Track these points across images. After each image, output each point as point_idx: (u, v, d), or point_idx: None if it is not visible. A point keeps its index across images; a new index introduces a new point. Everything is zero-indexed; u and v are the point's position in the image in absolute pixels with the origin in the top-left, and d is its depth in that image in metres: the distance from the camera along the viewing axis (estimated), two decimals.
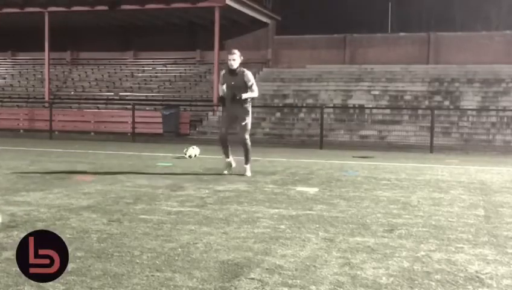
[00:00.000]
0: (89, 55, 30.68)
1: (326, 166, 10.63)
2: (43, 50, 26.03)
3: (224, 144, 8.81)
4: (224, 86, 8.56)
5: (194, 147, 12.11)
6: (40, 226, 4.55)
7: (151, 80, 28.09)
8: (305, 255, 3.82)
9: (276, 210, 5.54)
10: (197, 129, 22.91)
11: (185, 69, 28.71)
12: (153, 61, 29.66)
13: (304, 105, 23.60)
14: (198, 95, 26.03)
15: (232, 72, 8.52)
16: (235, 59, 8.45)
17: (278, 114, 23.44)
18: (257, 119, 22.59)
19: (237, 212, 5.35)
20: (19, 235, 4.13)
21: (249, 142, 8.68)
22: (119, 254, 3.74)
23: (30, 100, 27.40)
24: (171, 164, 10.38)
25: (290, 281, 3.23)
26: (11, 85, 29.53)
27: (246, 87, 8.50)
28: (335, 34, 27.26)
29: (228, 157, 8.82)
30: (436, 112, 18.80)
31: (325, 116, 19.13)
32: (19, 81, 29.73)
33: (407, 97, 23.37)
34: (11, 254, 3.50)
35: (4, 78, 30.41)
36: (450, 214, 5.54)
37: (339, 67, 26.39)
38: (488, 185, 8.10)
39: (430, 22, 31.74)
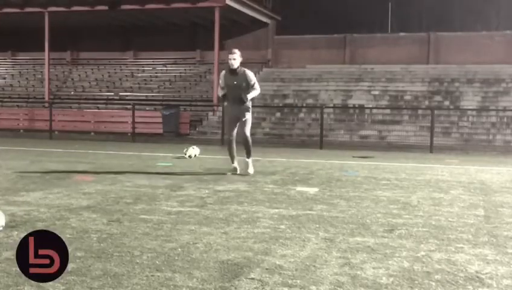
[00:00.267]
0: (89, 55, 30.68)
1: (326, 166, 10.63)
2: (43, 50, 26.02)
3: (230, 147, 8.86)
4: (223, 90, 8.63)
5: (194, 147, 12.10)
6: (40, 226, 4.55)
7: (151, 80, 28.09)
8: (305, 255, 3.82)
9: (276, 210, 5.54)
10: (197, 129, 22.90)
11: (185, 69, 28.71)
12: (153, 61, 29.66)
13: (304, 105, 23.60)
14: (198, 95, 26.02)
15: (232, 72, 8.55)
16: (236, 59, 8.48)
17: (278, 114, 23.43)
18: (257, 119, 22.57)
19: (237, 212, 5.35)
20: (19, 235, 4.14)
21: (250, 138, 8.74)
22: (119, 254, 3.74)
23: (30, 100, 27.40)
24: (171, 164, 10.38)
25: (290, 281, 3.23)
26: (11, 85, 29.53)
27: (248, 87, 8.54)
28: (335, 34, 27.25)
29: (233, 163, 8.85)
30: (436, 112, 18.79)
31: (325, 116, 19.13)
32: (18, 81, 29.73)
33: (407, 97, 23.36)
34: (11, 254, 3.50)
35: (4, 78, 30.41)
36: (450, 214, 5.54)
37: (339, 67, 26.38)
38: (488, 185, 8.09)
39: (430, 22, 31.70)
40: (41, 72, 28.31)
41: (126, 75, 28.90)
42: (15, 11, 26.15)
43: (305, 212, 5.43)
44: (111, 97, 26.76)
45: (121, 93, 26.95)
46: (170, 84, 27.41)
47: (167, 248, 3.93)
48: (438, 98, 23.08)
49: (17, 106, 26.58)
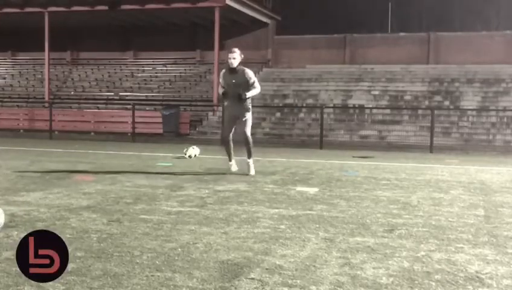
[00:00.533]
0: (89, 55, 30.68)
1: (326, 166, 10.63)
2: (43, 50, 26.02)
3: (227, 146, 8.84)
4: (224, 87, 8.60)
5: (194, 147, 12.10)
6: (40, 226, 4.55)
7: (151, 80, 28.09)
8: (305, 255, 3.82)
9: (276, 210, 5.54)
10: (197, 129, 22.90)
11: (185, 69, 28.71)
12: (153, 61, 29.66)
13: (304, 105, 23.60)
14: (198, 95, 26.02)
15: (232, 70, 8.55)
16: (236, 58, 8.48)
17: (278, 114, 23.43)
18: (257, 119, 22.56)
19: (237, 212, 5.35)
20: (19, 235, 4.14)
21: (250, 138, 8.72)
22: (119, 254, 3.74)
23: (30, 100, 27.40)
24: (171, 164, 10.38)
25: (290, 281, 3.23)
26: (11, 85, 29.53)
27: (248, 85, 8.53)
28: (335, 34, 27.25)
29: (231, 161, 8.85)
30: (436, 112, 18.79)
31: (325, 116, 19.13)
32: (18, 81, 29.73)
33: (407, 97, 23.36)
34: (11, 254, 3.50)
35: (4, 78, 30.41)
36: (450, 214, 5.54)
37: (339, 67, 26.39)
38: (488, 185, 8.09)
39: (430, 22, 31.70)
40: (41, 72, 28.31)
41: (126, 75, 28.90)
42: (15, 11, 26.15)
43: (305, 212, 5.43)
44: (111, 97, 26.76)
45: (121, 93, 26.95)
46: (170, 84, 27.41)
47: (167, 248, 3.93)
48: (438, 98, 23.08)
49: (17, 106, 26.58)
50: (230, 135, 8.84)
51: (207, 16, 24.96)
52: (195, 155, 11.70)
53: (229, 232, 4.46)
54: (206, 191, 6.82)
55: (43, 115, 23.46)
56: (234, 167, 8.83)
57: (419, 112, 21.58)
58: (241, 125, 8.72)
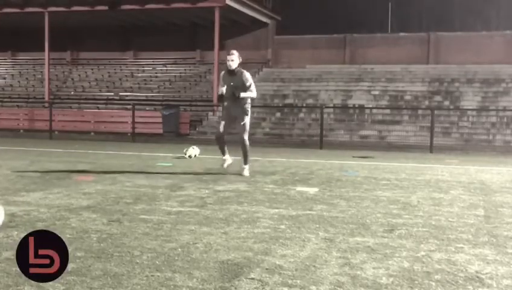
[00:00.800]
0: (89, 55, 30.69)
1: (326, 166, 10.63)
2: (43, 50, 26.03)
3: (220, 142, 8.86)
4: (224, 88, 8.60)
5: (194, 147, 12.10)
6: (40, 226, 4.55)
7: (151, 80, 28.09)
8: (305, 255, 3.82)
9: (276, 210, 5.54)
10: (197, 129, 22.90)
11: (185, 69, 28.71)
12: (153, 61, 29.66)
13: (304, 105, 23.60)
14: (198, 95, 26.02)
15: (231, 72, 8.58)
16: (234, 60, 8.51)
17: (278, 114, 23.44)
18: (257, 119, 22.59)
19: (237, 212, 5.35)
20: (19, 235, 4.13)
21: (247, 142, 8.72)
22: (119, 254, 3.74)
23: (30, 100, 27.40)
24: (171, 164, 10.38)
25: (290, 281, 3.23)
26: (11, 85, 29.53)
27: (245, 87, 8.55)
28: (335, 34, 27.26)
29: (224, 155, 8.88)
30: (436, 112, 18.79)
31: (325, 116, 19.13)
32: (18, 81, 29.73)
33: (407, 97, 23.36)
34: (11, 254, 3.50)
35: (4, 78, 30.41)
36: (450, 214, 5.54)
37: (339, 67, 26.39)
38: (488, 185, 8.09)
39: (430, 22, 31.68)
40: (41, 72, 28.31)
41: (126, 75, 28.90)
42: (15, 11, 26.16)
43: (305, 212, 5.43)
44: (111, 97, 26.76)
45: (121, 93, 26.95)
46: (170, 84, 27.41)
47: (167, 248, 3.93)
48: (438, 98, 23.08)
49: (17, 106, 26.57)
50: (224, 131, 8.82)
51: (207, 16, 24.96)
52: (195, 155, 11.70)
53: (229, 232, 4.46)
54: (206, 191, 6.82)
55: (43, 115, 23.46)
56: (228, 161, 8.87)
57: (419, 112, 21.58)
58: (239, 129, 8.71)
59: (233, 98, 8.51)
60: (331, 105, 22.97)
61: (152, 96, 26.30)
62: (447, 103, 22.64)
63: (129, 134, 20.60)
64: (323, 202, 6.09)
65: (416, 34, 26.72)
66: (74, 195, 6.28)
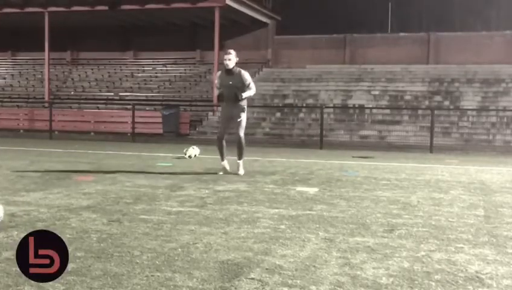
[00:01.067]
0: (89, 55, 30.69)
1: (326, 166, 10.63)
2: (43, 50, 26.02)
3: (220, 145, 8.88)
4: (220, 88, 8.66)
5: (194, 147, 12.09)
6: (40, 226, 4.55)
7: (151, 80, 28.09)
8: (305, 255, 3.82)
9: (276, 210, 5.54)
10: (197, 129, 22.90)
11: (185, 69, 28.72)
12: (153, 61, 29.67)
13: (304, 105, 23.60)
14: (198, 95, 26.03)
15: (228, 72, 8.62)
16: (231, 59, 8.56)
17: (278, 114, 23.43)
18: (257, 119, 22.62)
19: (237, 212, 5.35)
20: (19, 235, 4.13)
21: (243, 140, 8.79)
22: (119, 254, 3.74)
23: (30, 100, 27.39)
24: (171, 164, 10.38)
25: (290, 281, 3.23)
26: (11, 85, 29.53)
27: (244, 86, 8.61)
28: (335, 34, 27.26)
29: (223, 160, 8.90)
30: (436, 112, 18.79)
31: (325, 116, 19.13)
32: (18, 81, 29.73)
33: (407, 97, 23.36)
34: (11, 254, 3.50)
35: (4, 78, 30.41)
36: (450, 214, 5.54)
37: (339, 67, 26.39)
38: (488, 185, 8.09)
39: (430, 22, 31.68)
40: (41, 72, 28.31)
41: (126, 75, 28.90)
42: (15, 11, 26.16)
43: (305, 212, 5.43)
44: (111, 97, 26.76)
45: (120, 94, 26.95)
46: (170, 84, 27.41)
47: (167, 248, 3.93)
48: (438, 98, 23.08)
49: (17, 106, 26.57)
50: (225, 133, 8.91)
51: (207, 16, 24.97)
52: (195, 155, 11.70)
53: (229, 232, 4.46)
54: (206, 191, 6.82)
55: (43, 115, 23.46)
56: (226, 166, 8.88)
57: (419, 112, 21.58)
58: (235, 126, 8.77)
59: (234, 99, 8.56)
60: (331, 105, 22.97)
61: (152, 96, 26.30)
62: (447, 103, 22.64)
63: (129, 134, 20.60)
64: (323, 202, 6.09)
65: (416, 34, 26.72)
66: (74, 195, 6.28)
